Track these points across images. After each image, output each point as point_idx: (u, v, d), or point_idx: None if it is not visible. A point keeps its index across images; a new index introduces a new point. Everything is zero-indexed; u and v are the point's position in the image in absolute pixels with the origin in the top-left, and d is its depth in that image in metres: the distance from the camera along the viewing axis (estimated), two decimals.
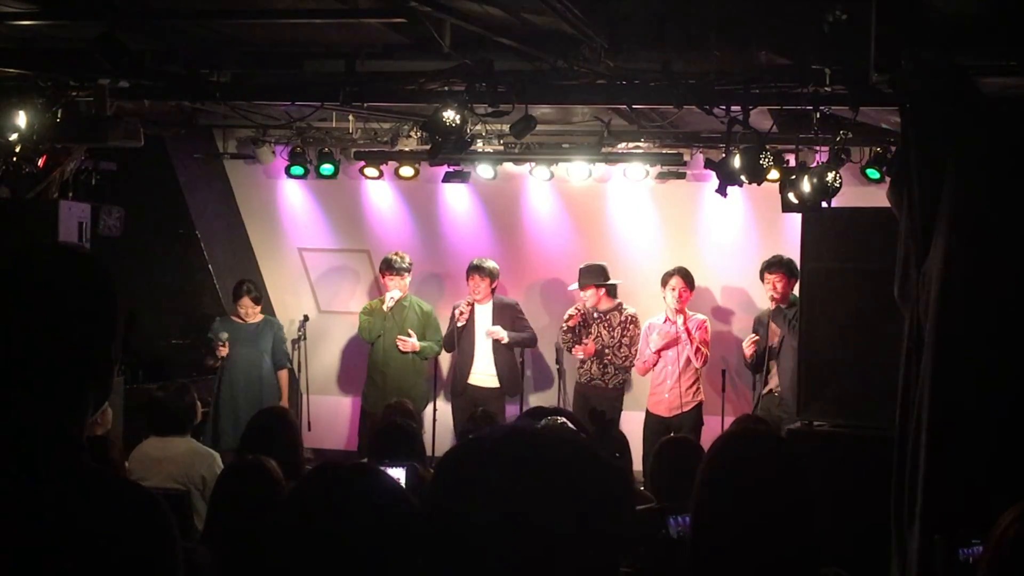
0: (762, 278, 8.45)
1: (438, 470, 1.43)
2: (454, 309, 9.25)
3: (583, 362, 9.03)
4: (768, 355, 8.33)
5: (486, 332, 9.13)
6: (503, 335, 9.07)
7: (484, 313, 9.23)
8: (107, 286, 1.74)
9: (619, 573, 1.40)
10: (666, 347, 8.70)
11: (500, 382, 9.13)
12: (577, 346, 8.97)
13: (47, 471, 1.59)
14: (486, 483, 1.35)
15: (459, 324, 9.14)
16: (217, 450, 6.54)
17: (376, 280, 10.13)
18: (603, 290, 9.02)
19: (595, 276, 9.03)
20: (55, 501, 1.56)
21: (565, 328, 9.06)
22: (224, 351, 8.90)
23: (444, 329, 9.36)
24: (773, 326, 8.31)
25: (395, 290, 9.13)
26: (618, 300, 9.12)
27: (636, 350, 8.94)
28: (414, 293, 9.44)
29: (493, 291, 9.26)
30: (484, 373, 9.19)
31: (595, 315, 9.04)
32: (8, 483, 1.57)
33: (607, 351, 8.93)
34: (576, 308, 9.10)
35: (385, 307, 9.13)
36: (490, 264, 9.21)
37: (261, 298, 9.32)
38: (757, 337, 8.41)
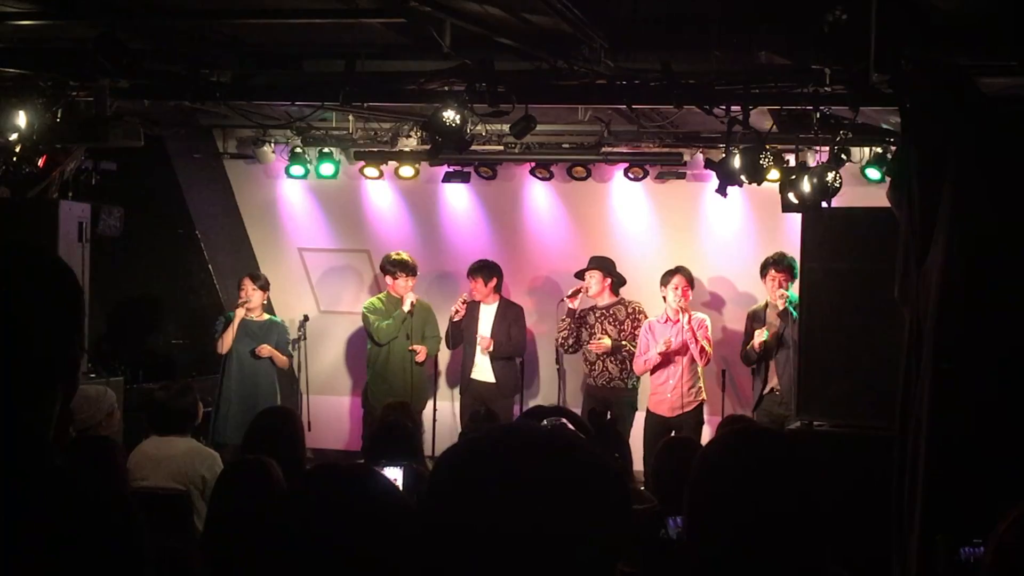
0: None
1: (435, 470, 1.43)
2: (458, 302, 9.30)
3: (593, 363, 8.87)
4: (765, 354, 8.33)
5: (478, 339, 9.14)
6: (487, 345, 9.09)
7: (488, 313, 9.27)
8: (66, 280, 1.72)
9: (617, 573, 1.39)
10: (674, 352, 8.63)
11: (496, 380, 9.16)
12: (594, 342, 8.77)
13: (8, 469, 1.57)
14: (482, 483, 1.35)
15: (453, 319, 9.23)
16: (213, 445, 6.53)
17: (376, 280, 10.14)
18: (608, 281, 8.95)
19: (603, 263, 8.97)
20: (15, 499, 1.55)
21: (562, 319, 8.94)
22: (230, 335, 8.79)
23: (442, 327, 9.43)
24: (770, 320, 8.30)
25: (411, 293, 9.20)
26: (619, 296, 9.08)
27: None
28: (414, 293, 9.45)
29: (498, 291, 9.26)
30: (484, 370, 9.24)
31: (596, 312, 8.96)
32: None
33: (624, 345, 8.79)
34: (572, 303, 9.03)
35: (405, 310, 9.13)
36: (486, 265, 9.21)
37: (266, 291, 9.00)
38: (764, 336, 8.34)
